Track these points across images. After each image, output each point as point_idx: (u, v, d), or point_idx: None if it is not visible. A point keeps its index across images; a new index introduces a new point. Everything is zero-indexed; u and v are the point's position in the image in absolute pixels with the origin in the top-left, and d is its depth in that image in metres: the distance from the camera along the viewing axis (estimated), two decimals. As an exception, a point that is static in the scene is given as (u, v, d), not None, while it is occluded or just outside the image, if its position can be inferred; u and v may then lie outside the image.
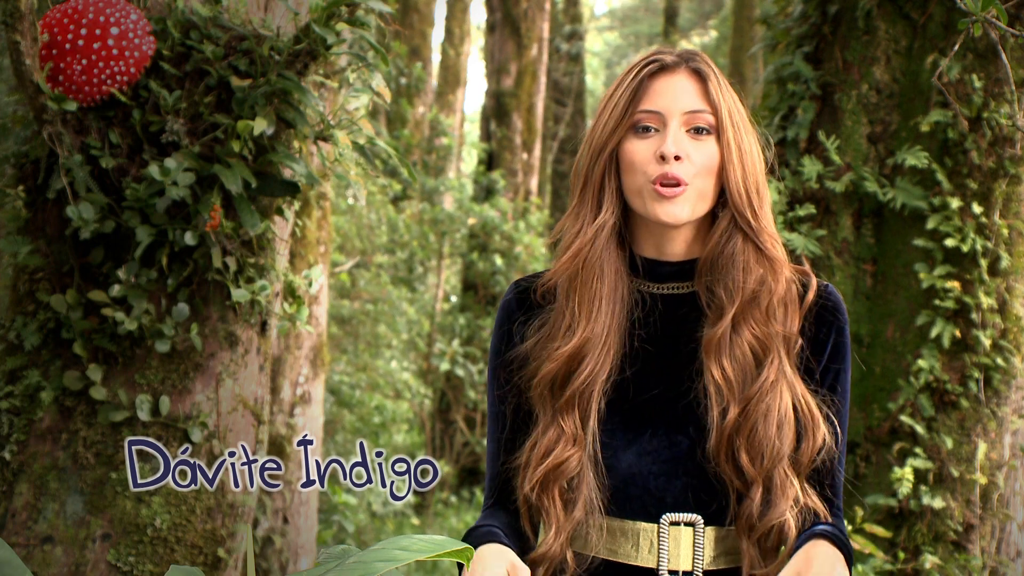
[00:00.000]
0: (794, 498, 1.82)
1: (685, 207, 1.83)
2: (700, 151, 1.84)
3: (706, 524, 1.86)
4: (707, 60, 1.90)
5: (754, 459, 1.81)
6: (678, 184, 1.82)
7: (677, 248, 1.91)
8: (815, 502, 1.85)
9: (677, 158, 1.81)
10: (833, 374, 1.90)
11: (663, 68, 1.86)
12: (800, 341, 1.89)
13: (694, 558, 1.86)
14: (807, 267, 1.95)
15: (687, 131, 1.84)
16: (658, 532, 1.86)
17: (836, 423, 1.88)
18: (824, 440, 1.85)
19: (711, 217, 1.90)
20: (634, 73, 1.87)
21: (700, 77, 1.86)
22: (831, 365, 1.90)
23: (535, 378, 1.88)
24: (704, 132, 1.84)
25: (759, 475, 1.81)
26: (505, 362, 1.94)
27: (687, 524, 1.86)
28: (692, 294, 1.91)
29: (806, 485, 1.85)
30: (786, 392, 1.84)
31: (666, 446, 1.86)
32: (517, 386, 1.93)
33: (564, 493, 1.85)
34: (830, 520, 1.86)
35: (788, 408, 1.83)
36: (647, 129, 1.84)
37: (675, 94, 1.84)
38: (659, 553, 1.85)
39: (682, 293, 1.91)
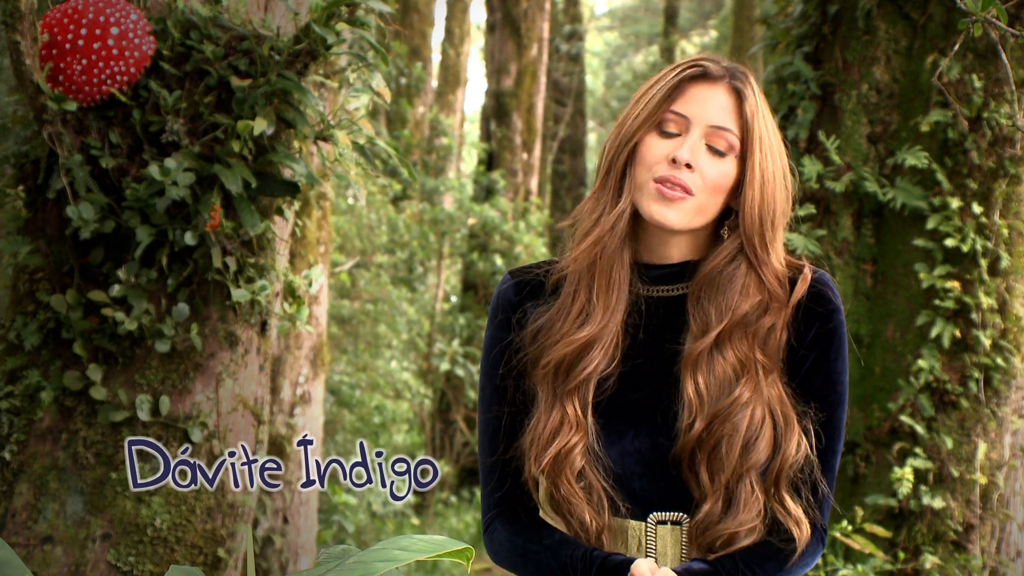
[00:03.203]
0: (757, 512, 1.82)
1: (682, 216, 1.82)
2: (712, 167, 1.82)
3: (692, 522, 1.86)
4: (751, 80, 1.87)
5: (713, 474, 1.81)
6: (684, 191, 1.81)
7: (672, 252, 1.90)
8: (795, 518, 1.83)
9: (688, 166, 1.81)
10: (824, 364, 1.88)
11: (705, 75, 1.84)
12: (786, 335, 1.88)
13: (680, 555, 1.86)
14: (802, 261, 1.94)
15: (707, 147, 1.83)
16: (645, 530, 1.86)
17: (822, 431, 1.86)
18: (800, 450, 1.83)
19: (713, 227, 1.90)
20: (676, 71, 1.85)
21: (738, 95, 1.84)
22: (820, 355, 1.88)
23: (543, 359, 1.87)
24: (719, 154, 1.83)
25: (714, 490, 1.81)
26: (506, 348, 1.92)
27: (674, 523, 1.86)
28: (681, 297, 1.90)
29: (785, 495, 1.84)
30: (760, 409, 1.82)
31: (649, 447, 1.86)
32: (519, 371, 1.91)
33: (577, 485, 1.84)
34: (798, 530, 1.85)
35: (761, 427, 1.82)
36: (669, 133, 1.83)
37: (707, 105, 1.83)
38: (646, 551, 1.86)
39: (672, 296, 1.91)
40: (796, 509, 1.84)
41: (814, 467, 1.86)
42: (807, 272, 1.91)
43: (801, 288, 1.88)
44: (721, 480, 1.80)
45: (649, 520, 1.86)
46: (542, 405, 1.87)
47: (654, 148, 1.83)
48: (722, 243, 1.88)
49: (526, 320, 1.92)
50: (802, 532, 1.84)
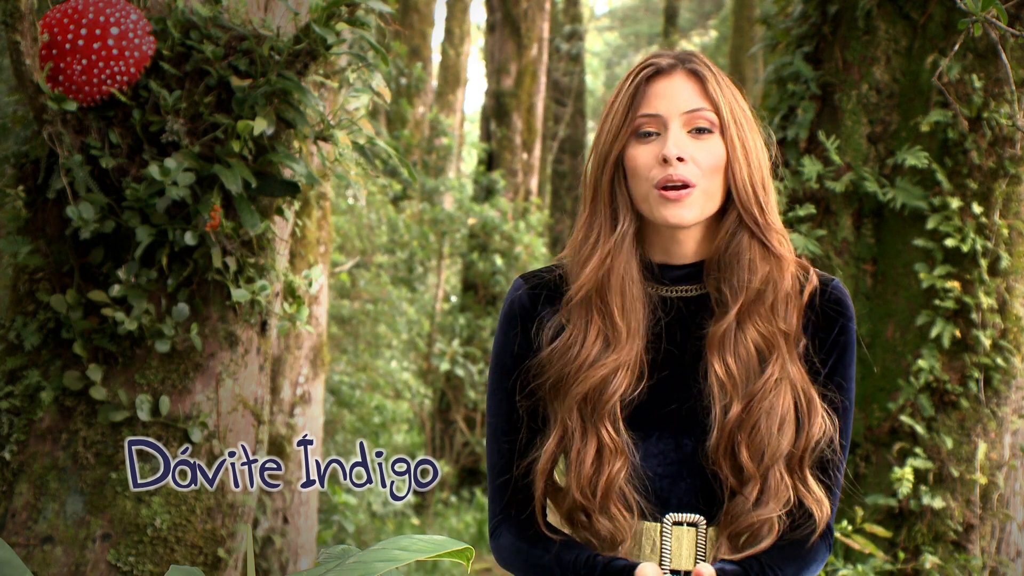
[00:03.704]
0: (784, 500, 1.82)
1: (692, 209, 1.82)
2: (704, 151, 1.83)
3: (709, 525, 1.86)
4: (704, 60, 1.88)
5: (754, 456, 1.81)
6: (684, 186, 1.81)
7: (687, 250, 1.89)
8: (816, 497, 1.85)
9: (680, 159, 1.80)
10: (838, 370, 1.90)
11: (659, 72, 1.85)
12: (804, 339, 1.88)
13: (696, 558, 1.86)
14: (806, 262, 1.94)
15: (688, 132, 1.83)
16: (660, 532, 1.86)
17: (838, 418, 1.88)
18: (823, 430, 1.84)
19: (719, 216, 1.89)
20: (631, 79, 1.86)
21: (697, 77, 1.85)
22: (835, 361, 1.90)
23: (571, 390, 1.85)
24: (706, 132, 1.83)
25: (758, 472, 1.81)
26: (521, 368, 1.91)
27: (690, 524, 1.86)
28: (703, 296, 1.90)
29: (808, 476, 1.85)
30: (788, 390, 1.83)
31: (672, 448, 1.86)
32: (536, 391, 1.90)
33: (620, 505, 1.84)
34: (820, 520, 1.86)
35: (790, 407, 1.83)
36: (648, 134, 1.83)
37: (673, 95, 1.83)
38: (661, 552, 1.86)
39: (693, 295, 1.90)
40: (817, 490, 1.85)
41: (835, 448, 1.87)
42: (814, 275, 1.91)
43: (815, 280, 1.89)
44: (763, 462, 1.80)
45: (665, 521, 1.86)
46: (572, 434, 1.85)
47: (641, 155, 1.83)
48: (721, 223, 1.88)
49: (543, 329, 1.90)
50: (822, 513, 1.85)
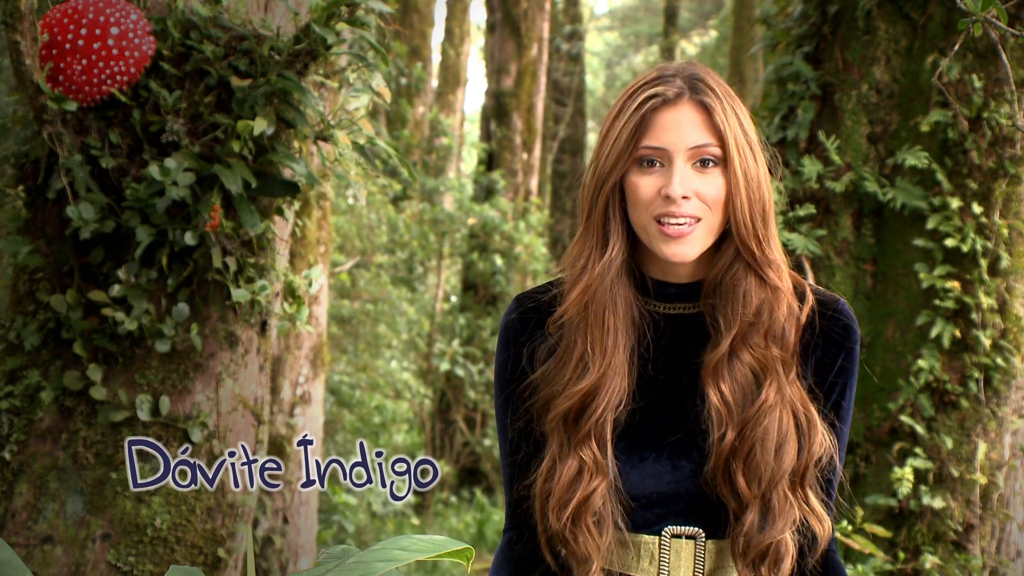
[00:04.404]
0: (793, 520, 1.83)
1: (694, 246, 1.81)
2: (707, 185, 1.81)
3: (707, 537, 1.87)
4: (710, 84, 1.84)
5: (751, 482, 1.81)
6: (687, 223, 1.79)
7: (684, 271, 1.89)
8: (818, 515, 1.86)
9: (685, 198, 1.79)
10: (841, 393, 1.90)
11: (665, 102, 1.81)
12: (799, 359, 1.88)
13: (695, 570, 1.87)
14: (807, 279, 1.93)
15: (693, 164, 1.81)
16: (659, 544, 1.87)
17: (836, 436, 1.89)
18: (823, 447, 1.85)
19: (718, 240, 1.88)
20: (636, 105, 1.82)
21: (704, 108, 1.82)
22: (839, 385, 1.90)
23: (549, 413, 1.87)
24: (711, 164, 1.81)
25: (755, 498, 1.81)
26: (514, 390, 1.93)
27: (688, 537, 1.87)
28: (698, 315, 1.90)
29: (809, 494, 1.85)
30: (786, 413, 1.83)
31: (669, 470, 1.86)
32: (528, 412, 1.92)
33: (593, 526, 1.85)
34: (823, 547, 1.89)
35: (789, 429, 1.82)
36: (652, 163, 1.81)
37: (680, 129, 1.80)
38: (660, 565, 1.87)
39: (688, 313, 1.90)
40: (819, 507, 1.86)
41: (833, 467, 1.88)
42: (811, 296, 1.90)
43: (812, 300, 1.89)
44: (759, 487, 1.81)
45: (664, 534, 1.87)
46: (556, 454, 1.87)
47: (643, 185, 1.81)
48: (720, 251, 1.88)
49: (535, 352, 1.92)
50: (825, 530, 1.86)
